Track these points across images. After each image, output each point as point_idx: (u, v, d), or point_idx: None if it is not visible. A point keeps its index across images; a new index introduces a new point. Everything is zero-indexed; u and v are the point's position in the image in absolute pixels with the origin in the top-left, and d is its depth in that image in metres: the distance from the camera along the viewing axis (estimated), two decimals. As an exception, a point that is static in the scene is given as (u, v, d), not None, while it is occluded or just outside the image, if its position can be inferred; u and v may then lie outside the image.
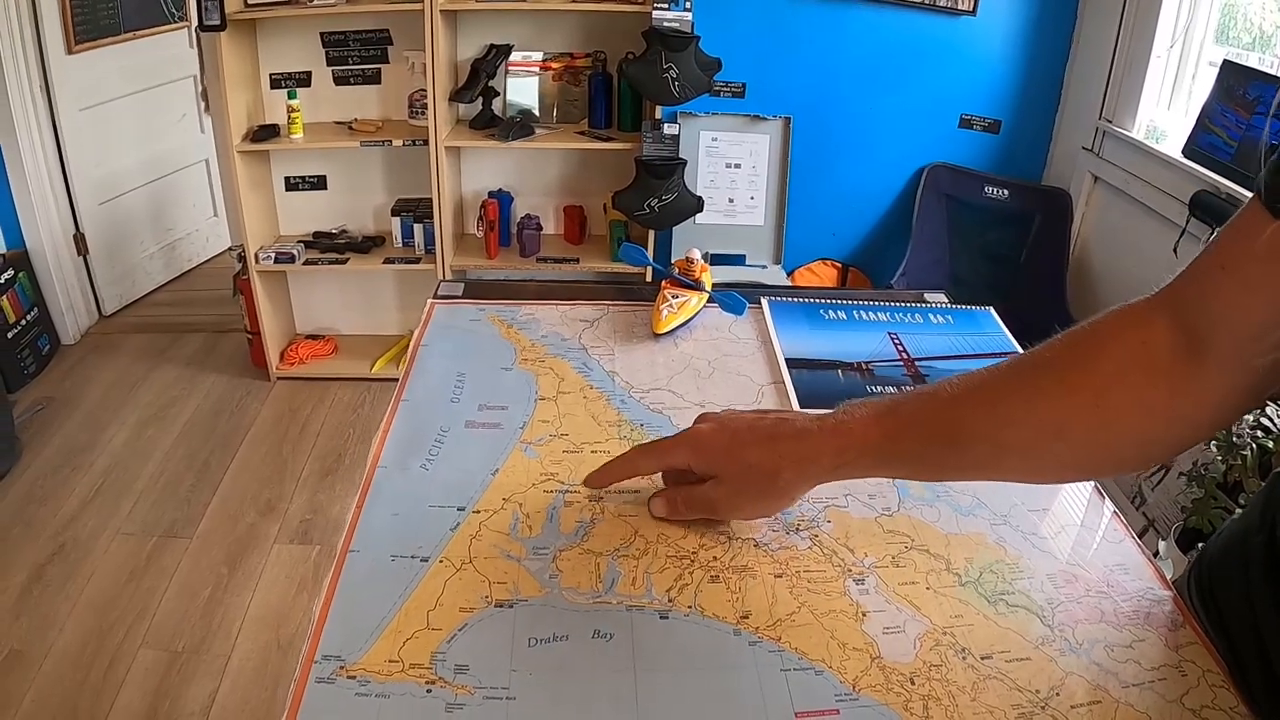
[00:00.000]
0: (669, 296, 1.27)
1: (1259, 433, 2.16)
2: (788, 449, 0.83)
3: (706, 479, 0.86)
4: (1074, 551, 0.91)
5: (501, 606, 0.80)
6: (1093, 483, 1.00)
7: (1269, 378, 0.71)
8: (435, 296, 1.34)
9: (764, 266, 3.98)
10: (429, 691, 0.72)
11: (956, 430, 0.79)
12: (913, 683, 0.74)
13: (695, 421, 0.90)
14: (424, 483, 0.95)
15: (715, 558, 0.86)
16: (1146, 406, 0.73)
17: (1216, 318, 0.70)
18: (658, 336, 1.24)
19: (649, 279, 3.63)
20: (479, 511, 0.91)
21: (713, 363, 1.21)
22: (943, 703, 0.73)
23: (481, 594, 0.81)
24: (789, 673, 0.75)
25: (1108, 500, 0.99)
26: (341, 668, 0.74)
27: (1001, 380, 0.80)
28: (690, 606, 0.81)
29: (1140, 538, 0.93)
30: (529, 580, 0.83)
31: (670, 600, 0.81)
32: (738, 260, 3.96)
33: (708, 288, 1.32)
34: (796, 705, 0.72)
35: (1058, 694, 0.74)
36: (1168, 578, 0.88)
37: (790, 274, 4.05)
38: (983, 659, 0.77)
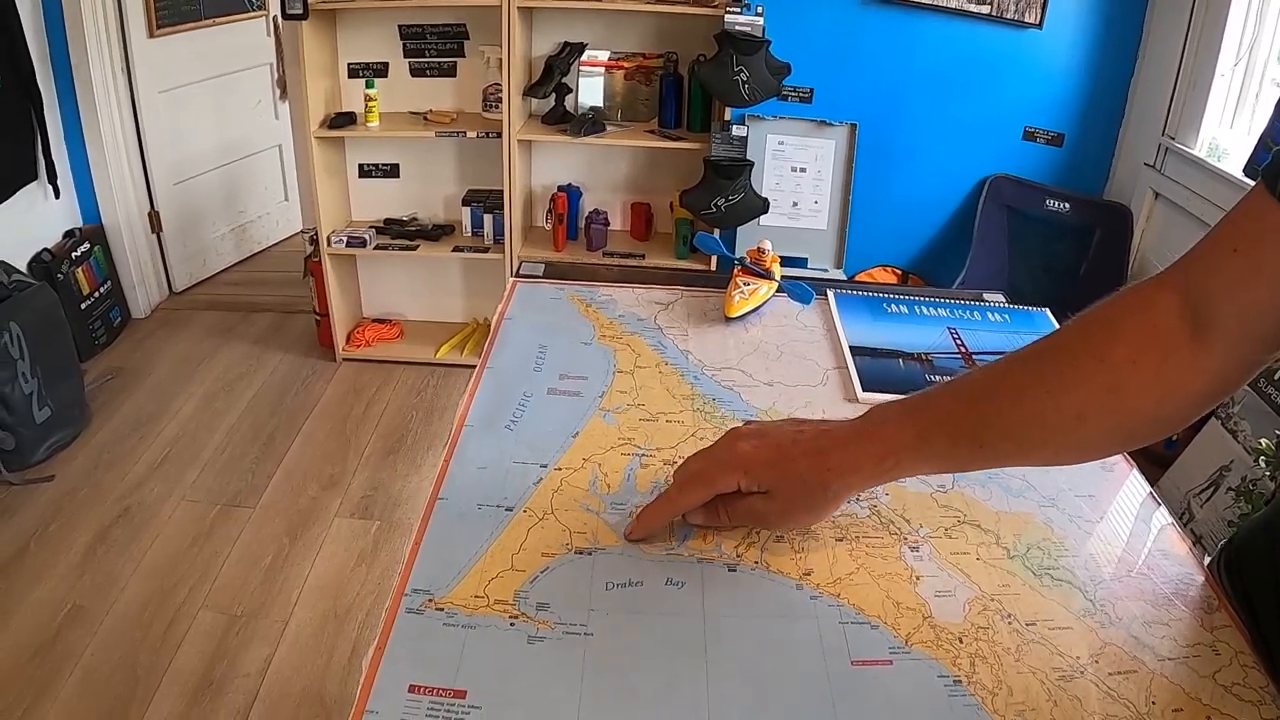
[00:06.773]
0: (740, 283, 1.32)
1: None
2: (834, 461, 0.84)
3: (749, 494, 0.87)
4: (1117, 535, 0.95)
5: (581, 553, 0.86)
6: (1148, 488, 1.04)
7: (1267, 354, 0.74)
8: (517, 275, 1.41)
9: (825, 270, 4.02)
10: (512, 625, 0.78)
11: (983, 429, 0.81)
12: (961, 641, 0.79)
13: (730, 439, 0.90)
14: (508, 441, 1.02)
15: (781, 521, 0.92)
16: (1159, 388, 0.76)
17: (1222, 297, 0.73)
18: (729, 320, 1.30)
19: (713, 268, 3.68)
20: (560, 469, 0.97)
21: (781, 347, 1.26)
22: (988, 661, 0.77)
23: (562, 541, 0.87)
24: (847, 625, 0.80)
25: (1152, 492, 1.03)
26: (430, 600, 0.80)
27: (1021, 373, 0.82)
28: (756, 562, 0.87)
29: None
30: (607, 531, 0.89)
31: (738, 555, 0.87)
32: (800, 263, 3.99)
33: (778, 277, 1.37)
34: (853, 654, 0.78)
35: (1097, 661, 0.78)
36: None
37: (851, 279, 4.05)
38: (1027, 625, 0.81)
